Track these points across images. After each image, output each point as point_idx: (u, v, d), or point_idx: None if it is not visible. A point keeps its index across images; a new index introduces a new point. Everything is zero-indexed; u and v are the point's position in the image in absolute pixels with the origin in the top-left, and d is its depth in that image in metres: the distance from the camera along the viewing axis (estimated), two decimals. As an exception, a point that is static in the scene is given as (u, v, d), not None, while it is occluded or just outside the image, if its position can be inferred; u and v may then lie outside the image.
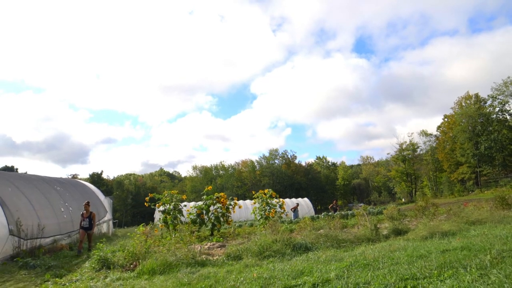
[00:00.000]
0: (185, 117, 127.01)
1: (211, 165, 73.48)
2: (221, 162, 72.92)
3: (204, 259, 6.01)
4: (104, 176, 66.24)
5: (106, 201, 18.52)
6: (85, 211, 9.47)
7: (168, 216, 12.46)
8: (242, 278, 4.01)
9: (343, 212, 16.93)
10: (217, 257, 6.51)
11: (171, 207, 12.58)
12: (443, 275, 3.17)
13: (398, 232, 7.76)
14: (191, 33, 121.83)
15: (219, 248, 8.97)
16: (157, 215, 27.29)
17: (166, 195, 12.86)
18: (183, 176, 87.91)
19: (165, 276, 4.72)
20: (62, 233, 10.77)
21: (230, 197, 13.68)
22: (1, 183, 8.90)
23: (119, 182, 69.94)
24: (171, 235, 10.96)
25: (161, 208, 12.58)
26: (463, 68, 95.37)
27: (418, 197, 18.01)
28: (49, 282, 4.93)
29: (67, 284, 4.87)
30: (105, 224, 16.86)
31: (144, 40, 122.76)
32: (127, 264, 6.09)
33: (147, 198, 12.77)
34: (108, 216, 17.89)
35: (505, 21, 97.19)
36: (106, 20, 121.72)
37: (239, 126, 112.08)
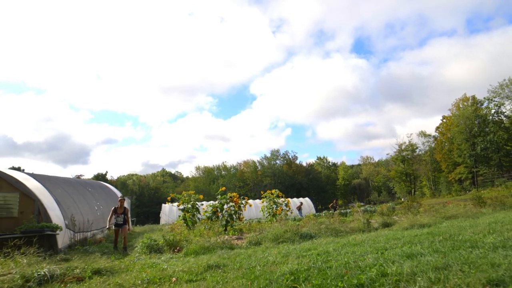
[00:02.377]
0: (185, 117, 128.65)
1: (213, 165, 75.10)
2: (223, 163, 74.63)
3: (231, 245, 7.66)
4: (108, 177, 67.70)
5: (125, 201, 20.22)
6: (119, 207, 9.22)
7: (187, 214, 14.13)
8: (267, 253, 5.65)
9: (342, 211, 18.70)
10: (240, 244, 8.14)
11: (189, 205, 14.25)
12: (403, 247, 4.80)
13: (386, 225, 9.38)
14: (191, 34, 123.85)
15: (236, 240, 10.62)
16: (164, 216, 29.09)
17: (185, 195, 14.50)
18: (184, 176, 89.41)
19: (207, 255, 6.36)
20: (98, 228, 12.43)
21: (242, 197, 15.36)
22: (53, 186, 10.55)
23: (123, 182, 71.31)
24: (191, 230, 12.67)
25: (181, 206, 14.23)
26: (461, 68, 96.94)
27: (410, 197, 19.37)
28: (118, 261, 6.55)
29: (133, 261, 6.50)
30: (125, 221, 18.57)
31: (144, 41, 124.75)
32: (170, 249, 7.73)
33: (168, 198, 14.58)
34: (128, 214, 19.58)
35: (502, 22, 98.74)
36: (106, 21, 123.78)
37: (239, 126, 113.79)
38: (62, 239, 8.87)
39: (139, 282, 4.26)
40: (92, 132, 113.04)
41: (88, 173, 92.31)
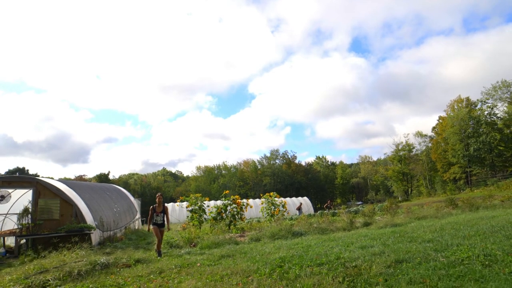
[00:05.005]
0: (185, 116, 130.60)
1: (214, 165, 76.91)
2: (223, 162, 76.46)
3: (236, 241, 9.38)
4: (110, 176, 69.39)
5: (135, 202, 21.96)
6: (157, 205, 8.27)
7: (194, 215, 15.89)
8: (265, 247, 7.37)
9: (335, 211, 20.47)
10: (243, 240, 9.87)
11: (197, 207, 15.99)
12: (364, 241, 6.50)
13: (367, 224, 11.09)
14: (190, 34, 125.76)
15: (240, 237, 12.36)
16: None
17: (193, 197, 16.25)
18: (185, 175, 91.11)
19: (217, 249, 8.07)
20: (118, 228, 14.17)
21: (243, 199, 17.13)
22: (81, 191, 12.26)
23: (125, 182, 73.00)
24: (198, 229, 14.42)
25: (190, 208, 15.98)
26: (459, 67, 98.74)
27: (389, 200, 20.56)
28: (148, 254, 8.26)
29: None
30: (137, 221, 20.30)
31: (144, 40, 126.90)
32: (185, 245, 9.45)
33: (178, 200, 16.39)
34: (138, 215, 21.33)
35: (499, 21, 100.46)
36: (106, 21, 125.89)
37: (239, 125, 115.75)
38: (94, 237, 10.59)
39: (173, 266, 5.97)
40: (92, 131, 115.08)
41: (89, 172, 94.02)
